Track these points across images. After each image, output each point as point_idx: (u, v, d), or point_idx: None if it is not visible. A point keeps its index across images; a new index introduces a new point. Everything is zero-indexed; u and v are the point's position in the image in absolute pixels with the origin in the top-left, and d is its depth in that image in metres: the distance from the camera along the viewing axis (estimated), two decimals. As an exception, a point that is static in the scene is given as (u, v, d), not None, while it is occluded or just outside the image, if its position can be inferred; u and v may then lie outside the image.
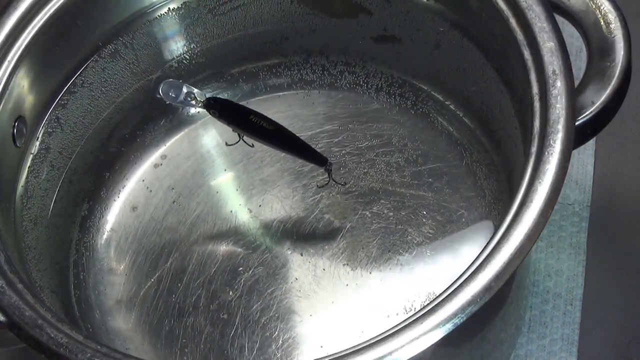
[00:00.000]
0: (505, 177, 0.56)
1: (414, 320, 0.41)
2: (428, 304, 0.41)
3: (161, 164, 0.62)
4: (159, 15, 0.59)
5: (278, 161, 0.60)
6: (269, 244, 0.58)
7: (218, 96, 0.60)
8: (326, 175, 0.57)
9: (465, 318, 0.40)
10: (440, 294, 0.41)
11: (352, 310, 0.55)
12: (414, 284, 0.55)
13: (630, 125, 0.65)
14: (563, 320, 0.59)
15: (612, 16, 0.48)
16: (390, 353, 0.40)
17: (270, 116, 0.57)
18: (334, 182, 0.58)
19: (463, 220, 0.57)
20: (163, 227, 0.59)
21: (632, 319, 0.59)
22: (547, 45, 0.46)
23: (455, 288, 0.41)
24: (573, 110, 0.45)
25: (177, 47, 0.61)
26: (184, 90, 0.58)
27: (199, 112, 0.62)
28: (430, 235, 0.57)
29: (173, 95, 0.58)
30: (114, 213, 0.60)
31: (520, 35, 0.48)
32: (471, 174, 0.58)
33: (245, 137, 0.58)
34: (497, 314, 0.50)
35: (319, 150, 0.58)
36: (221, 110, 0.58)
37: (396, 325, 0.41)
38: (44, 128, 0.55)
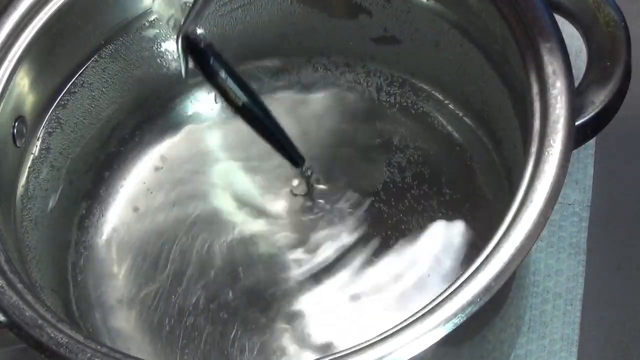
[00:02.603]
0: (505, 177, 0.56)
1: (414, 320, 0.41)
2: (428, 304, 0.41)
3: (161, 165, 0.62)
4: (159, 16, 0.59)
5: (278, 161, 0.60)
6: (269, 244, 0.58)
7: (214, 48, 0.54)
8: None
9: (465, 318, 0.40)
10: (440, 294, 0.41)
11: (353, 310, 0.55)
12: (414, 284, 0.55)
13: (630, 125, 0.65)
14: (563, 320, 0.59)
15: (612, 16, 0.48)
16: (390, 353, 0.40)
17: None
18: (312, 187, 0.57)
19: (463, 220, 0.57)
20: (163, 228, 0.59)
21: (632, 319, 0.59)
22: (547, 45, 0.46)
23: (455, 288, 0.41)
24: (573, 110, 0.45)
25: (177, 47, 0.61)
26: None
27: (198, 112, 0.62)
28: (430, 235, 0.57)
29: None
30: (114, 213, 0.60)
31: (520, 35, 0.48)
32: (471, 174, 0.58)
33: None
34: (497, 314, 0.50)
35: (318, 150, 0.58)
36: (202, 59, 0.52)
37: (396, 325, 0.41)
38: (44, 128, 0.55)
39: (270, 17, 0.60)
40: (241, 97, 0.52)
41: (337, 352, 0.41)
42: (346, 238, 0.57)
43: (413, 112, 0.61)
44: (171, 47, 0.60)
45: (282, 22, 0.61)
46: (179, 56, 0.53)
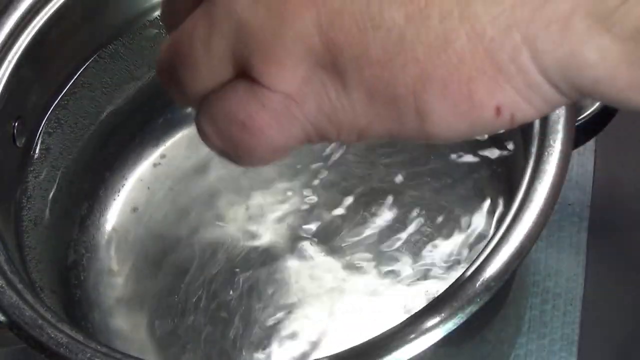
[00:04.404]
0: (505, 177, 0.56)
1: (414, 320, 0.41)
2: (428, 304, 0.41)
3: (160, 164, 0.62)
4: (159, 16, 0.59)
5: (278, 160, 0.60)
6: (269, 244, 0.58)
7: None
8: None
9: (465, 318, 0.40)
10: (441, 294, 0.41)
11: (353, 310, 0.55)
12: (414, 284, 0.55)
13: (630, 125, 0.65)
14: (563, 320, 0.59)
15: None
16: (390, 353, 0.40)
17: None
18: None
19: (462, 220, 0.57)
20: (163, 227, 0.59)
21: (632, 319, 0.59)
22: (547, 45, 0.46)
23: (456, 288, 0.41)
24: (573, 110, 0.45)
25: (177, 47, 0.61)
26: None
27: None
28: (430, 235, 0.57)
29: None
30: (114, 213, 0.60)
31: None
32: (471, 174, 0.58)
33: None
34: (497, 314, 0.50)
35: (318, 151, 0.57)
36: None
37: (396, 325, 0.41)
38: (44, 128, 0.55)
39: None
40: None
41: (337, 352, 0.41)
42: (347, 238, 0.57)
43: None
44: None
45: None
46: None
